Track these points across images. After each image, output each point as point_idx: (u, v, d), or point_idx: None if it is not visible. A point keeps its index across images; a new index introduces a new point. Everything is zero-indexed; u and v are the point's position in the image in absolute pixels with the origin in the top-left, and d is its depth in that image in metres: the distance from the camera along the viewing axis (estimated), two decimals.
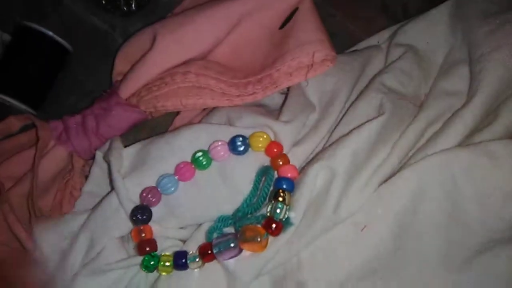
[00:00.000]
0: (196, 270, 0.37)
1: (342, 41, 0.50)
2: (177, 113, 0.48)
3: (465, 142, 0.36)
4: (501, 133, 0.36)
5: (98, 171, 0.44)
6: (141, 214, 0.37)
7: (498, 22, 0.38)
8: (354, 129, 0.37)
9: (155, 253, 0.37)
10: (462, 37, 0.42)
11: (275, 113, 0.43)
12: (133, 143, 0.42)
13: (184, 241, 0.39)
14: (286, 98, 0.43)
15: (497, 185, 0.33)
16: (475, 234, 0.33)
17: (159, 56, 0.44)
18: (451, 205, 0.34)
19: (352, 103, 0.41)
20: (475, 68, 0.37)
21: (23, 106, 0.47)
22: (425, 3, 0.50)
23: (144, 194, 0.38)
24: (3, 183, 0.42)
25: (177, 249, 0.38)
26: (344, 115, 0.41)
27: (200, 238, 0.38)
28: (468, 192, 0.34)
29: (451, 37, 0.43)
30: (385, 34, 0.49)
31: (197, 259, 0.36)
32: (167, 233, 0.39)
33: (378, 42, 0.48)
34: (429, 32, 0.44)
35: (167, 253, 0.37)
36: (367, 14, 0.52)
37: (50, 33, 0.47)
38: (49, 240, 0.39)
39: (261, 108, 0.44)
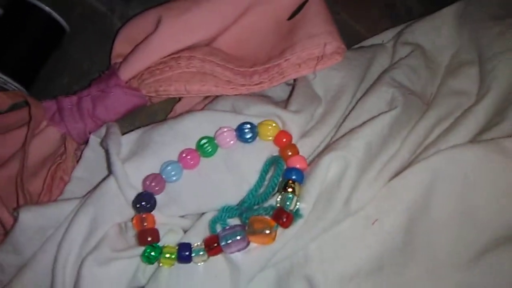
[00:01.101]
0: (200, 263, 0.35)
1: (346, 39, 0.49)
2: (177, 100, 0.46)
3: (475, 140, 0.36)
4: (509, 132, 0.36)
5: (91, 155, 0.42)
6: (145, 202, 0.35)
7: (507, 24, 0.39)
8: (367, 121, 0.36)
9: (157, 244, 0.35)
10: (469, 38, 0.42)
11: (281, 104, 0.42)
12: (129, 129, 0.41)
13: (185, 231, 0.37)
14: (292, 89, 0.42)
15: (510, 181, 0.33)
16: (484, 232, 0.33)
17: (163, 39, 0.42)
18: (462, 201, 0.34)
19: (361, 97, 0.41)
20: (486, 68, 0.38)
21: (14, 83, 0.44)
22: (429, 5, 0.51)
23: (147, 182, 0.36)
24: None
25: (179, 238, 0.36)
26: (352, 109, 0.40)
27: (202, 229, 0.36)
28: (480, 189, 0.34)
29: (457, 38, 0.44)
30: (389, 34, 0.49)
31: (202, 252, 0.34)
32: (168, 222, 0.37)
33: (383, 42, 0.48)
34: (436, 33, 0.45)
35: (170, 245, 0.35)
36: (372, 14, 0.52)
37: (47, 9, 0.45)
38: (31, 226, 0.36)
39: (266, 98, 0.43)
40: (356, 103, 0.41)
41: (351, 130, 0.36)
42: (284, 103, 0.41)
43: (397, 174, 0.36)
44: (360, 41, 0.49)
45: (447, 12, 0.45)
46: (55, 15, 0.45)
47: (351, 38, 0.50)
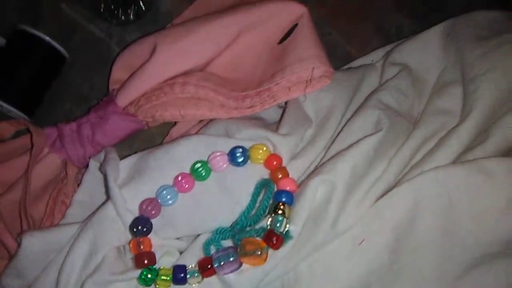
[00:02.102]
0: (194, 285, 0.36)
1: (337, 59, 0.51)
2: (173, 124, 0.48)
3: (459, 159, 0.37)
4: (492, 152, 0.37)
5: (90, 179, 0.43)
6: (142, 226, 0.36)
7: (490, 45, 0.40)
8: (353, 144, 0.37)
9: (153, 266, 0.36)
10: (454, 58, 0.43)
11: (272, 126, 0.43)
12: (128, 153, 0.42)
13: (180, 252, 0.39)
14: (283, 112, 0.44)
15: (492, 201, 0.34)
16: (469, 249, 0.34)
17: (159, 66, 0.44)
18: (446, 221, 0.35)
19: (349, 119, 0.42)
20: (469, 88, 0.39)
21: (17, 112, 0.46)
22: (419, 25, 0.53)
23: (144, 206, 0.38)
24: None
25: (174, 260, 0.38)
26: (341, 130, 0.42)
27: (197, 250, 0.38)
28: (463, 208, 0.35)
29: (443, 58, 0.45)
30: (379, 53, 0.50)
31: (196, 274, 0.36)
32: (164, 244, 0.38)
33: (372, 61, 0.50)
34: (423, 53, 0.46)
35: (166, 267, 0.37)
36: (362, 34, 0.54)
37: (47, 38, 0.47)
38: (34, 251, 0.38)
39: (258, 121, 0.45)
40: (345, 124, 0.42)
41: (338, 153, 0.38)
42: (276, 125, 0.43)
43: (383, 195, 0.37)
44: (351, 61, 0.51)
45: (434, 32, 0.46)
46: (55, 43, 0.47)
47: (342, 58, 0.51)
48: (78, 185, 0.44)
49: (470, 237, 0.34)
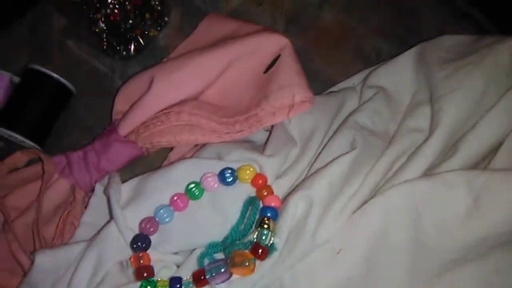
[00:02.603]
0: None
1: (320, 83, 0.55)
2: (171, 149, 0.52)
3: (427, 173, 0.41)
4: (459, 166, 0.41)
5: (96, 202, 0.48)
6: (141, 243, 0.40)
7: (453, 68, 0.44)
8: (329, 162, 0.41)
9: (152, 278, 0.40)
10: (424, 80, 0.47)
11: (260, 148, 0.47)
12: (130, 176, 0.46)
13: (178, 266, 0.42)
14: (270, 134, 0.48)
15: (453, 211, 0.37)
16: (436, 257, 0.38)
17: (155, 98, 0.48)
18: (415, 230, 0.38)
19: (329, 139, 0.46)
20: (434, 108, 0.43)
21: (30, 142, 0.51)
22: (397, 48, 0.56)
23: (143, 225, 0.42)
24: (9, 213, 0.46)
25: (172, 273, 0.42)
26: (322, 150, 0.45)
27: (192, 263, 0.42)
28: (428, 218, 0.38)
29: (415, 80, 0.48)
30: (359, 77, 0.54)
31: (191, 285, 0.40)
32: (162, 259, 0.42)
33: (354, 84, 0.53)
34: (397, 76, 0.49)
35: (163, 279, 0.40)
36: (343, 59, 0.58)
37: (55, 75, 0.52)
38: (46, 267, 0.42)
39: (247, 143, 0.49)
40: (326, 144, 0.46)
41: (316, 171, 0.41)
42: (263, 147, 0.47)
43: (359, 208, 0.41)
44: (333, 85, 0.54)
45: (407, 57, 0.50)
46: (63, 80, 0.52)
47: (325, 83, 0.55)
48: (86, 207, 0.48)
49: (436, 244, 0.37)
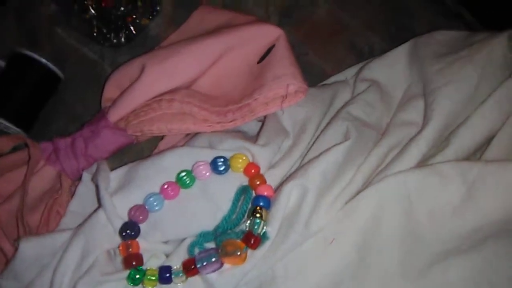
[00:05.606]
0: (179, 284, 0.39)
1: (314, 77, 0.55)
2: (161, 138, 0.51)
3: (421, 164, 0.41)
4: (451, 159, 0.41)
5: (83, 190, 0.47)
6: (130, 230, 0.39)
7: (446, 61, 0.44)
8: (323, 151, 0.41)
9: (140, 267, 0.39)
10: (417, 74, 0.47)
11: (253, 138, 0.47)
12: (119, 165, 0.46)
13: (167, 255, 0.42)
14: (262, 125, 0.47)
15: (446, 200, 0.38)
16: (428, 246, 0.38)
17: (147, 85, 0.47)
18: (407, 220, 0.38)
19: (322, 130, 0.46)
20: (428, 101, 0.43)
21: (15, 128, 0.49)
22: (388, 43, 0.57)
23: (132, 212, 0.41)
24: None
25: (161, 262, 0.41)
26: (315, 141, 0.45)
27: (182, 253, 0.41)
28: (421, 208, 0.38)
29: (408, 74, 0.49)
30: (351, 71, 0.54)
31: (181, 274, 0.39)
32: (151, 248, 0.41)
33: (346, 78, 0.53)
34: (390, 70, 0.50)
35: (152, 268, 0.40)
36: (337, 53, 0.58)
37: (44, 60, 0.50)
38: (30, 255, 0.41)
39: (239, 133, 0.48)
40: (319, 135, 0.46)
41: (309, 160, 0.41)
42: (255, 137, 0.46)
43: (352, 198, 0.40)
44: (326, 78, 0.55)
45: (400, 51, 0.50)
46: (51, 65, 0.51)
47: (318, 76, 0.55)
48: (72, 196, 0.47)
49: (428, 234, 0.37)
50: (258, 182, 0.42)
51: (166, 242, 0.43)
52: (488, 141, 0.42)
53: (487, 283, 0.36)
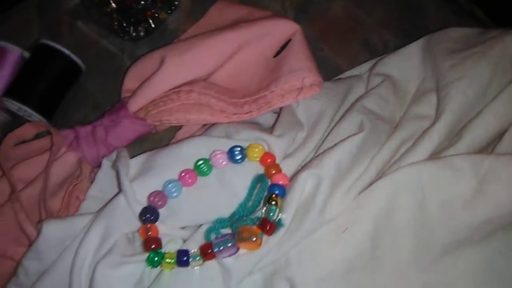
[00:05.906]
0: (196, 267, 0.40)
1: (329, 72, 0.56)
2: (179, 128, 0.52)
3: (433, 157, 0.41)
4: (463, 152, 0.42)
5: (103, 177, 0.48)
6: (150, 215, 0.41)
7: (460, 57, 0.45)
8: (338, 142, 0.42)
9: (159, 250, 0.41)
10: (431, 70, 0.48)
11: (268, 130, 0.48)
12: (138, 153, 0.47)
13: (184, 241, 0.43)
14: (278, 116, 0.48)
15: (458, 193, 0.38)
16: (439, 237, 0.38)
17: (166, 76, 0.49)
18: (420, 210, 0.39)
19: (336, 123, 0.47)
20: (441, 95, 0.44)
21: (38, 115, 0.51)
22: (402, 40, 0.58)
23: (151, 198, 0.42)
24: (16, 184, 0.46)
25: (178, 247, 0.42)
26: (329, 133, 0.46)
27: (199, 238, 0.42)
28: (434, 199, 0.39)
29: (422, 70, 0.50)
30: (366, 66, 0.55)
31: (198, 258, 0.40)
32: (169, 232, 0.42)
33: (360, 73, 0.54)
34: (404, 65, 0.50)
35: (170, 251, 0.41)
36: (352, 49, 0.59)
37: (66, 51, 0.52)
38: (52, 237, 0.42)
39: (255, 125, 0.50)
40: (333, 127, 0.47)
41: (324, 151, 0.42)
42: (271, 129, 0.48)
43: (366, 188, 0.41)
44: (341, 73, 0.56)
45: (414, 47, 0.51)
46: (73, 56, 0.53)
47: (333, 71, 0.56)
48: (92, 182, 0.48)
49: (439, 225, 0.38)
50: (273, 171, 0.43)
51: (183, 228, 0.44)
52: (500, 135, 0.42)
53: (497, 274, 0.37)
